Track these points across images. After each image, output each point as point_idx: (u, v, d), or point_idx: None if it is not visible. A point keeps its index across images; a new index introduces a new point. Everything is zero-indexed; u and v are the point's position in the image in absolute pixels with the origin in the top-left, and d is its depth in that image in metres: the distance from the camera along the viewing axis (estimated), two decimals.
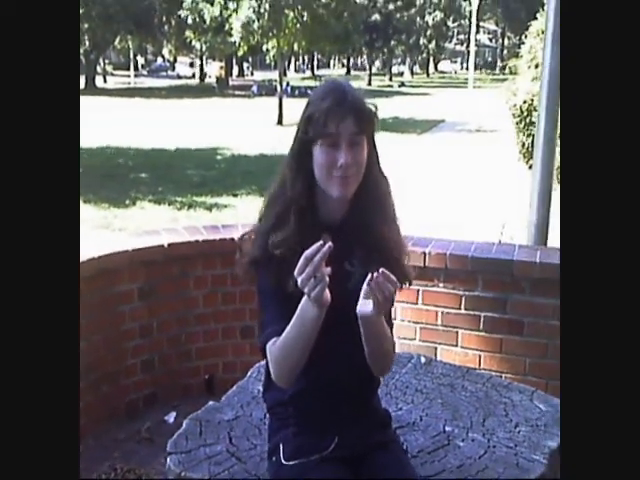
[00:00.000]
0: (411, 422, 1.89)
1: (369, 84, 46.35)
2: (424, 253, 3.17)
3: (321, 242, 1.34)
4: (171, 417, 3.34)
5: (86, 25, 32.92)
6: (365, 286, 1.43)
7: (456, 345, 3.24)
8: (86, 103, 27.55)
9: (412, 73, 63.17)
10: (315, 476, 1.51)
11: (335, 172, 1.53)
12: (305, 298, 1.39)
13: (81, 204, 9.09)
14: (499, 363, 3.15)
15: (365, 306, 1.45)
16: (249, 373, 2.22)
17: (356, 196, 1.58)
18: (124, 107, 26.62)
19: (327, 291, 1.36)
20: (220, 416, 1.93)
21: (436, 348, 3.24)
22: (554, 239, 3.67)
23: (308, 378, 1.54)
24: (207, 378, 3.55)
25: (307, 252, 1.34)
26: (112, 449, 3.09)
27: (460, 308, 3.22)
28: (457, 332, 3.24)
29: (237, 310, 3.57)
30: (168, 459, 1.74)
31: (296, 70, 67.09)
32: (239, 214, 8.69)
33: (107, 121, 20.72)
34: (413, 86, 47.22)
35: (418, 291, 3.25)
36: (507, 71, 19.42)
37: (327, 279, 1.34)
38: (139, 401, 3.42)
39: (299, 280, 1.35)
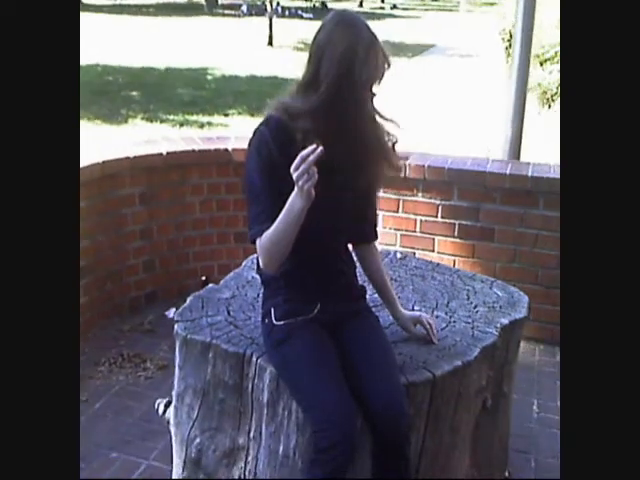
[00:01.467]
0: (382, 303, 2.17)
1: (360, 5, 45.23)
2: (404, 165, 3.41)
3: (314, 146, 1.58)
4: (171, 312, 3.63)
5: None
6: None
7: (433, 250, 3.52)
8: None
9: None
10: (300, 333, 1.81)
11: None
12: (295, 192, 1.65)
13: None
14: (471, 267, 3.44)
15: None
16: (244, 263, 2.50)
17: None
18: (111, 24, 26.03)
19: (312, 190, 1.61)
20: (219, 295, 2.22)
21: (414, 253, 3.52)
22: (526, 153, 3.93)
23: (298, 256, 1.81)
24: (203, 279, 3.83)
25: (303, 152, 1.58)
26: (118, 339, 3.39)
27: (437, 216, 3.49)
28: (434, 238, 3.53)
29: (231, 217, 3.83)
30: (175, 326, 2.02)
31: None
32: (230, 132, 8.82)
33: (94, 38, 20.35)
34: (405, 9, 46.18)
35: (399, 200, 3.51)
36: None
37: (316, 176, 1.59)
38: (141, 298, 3.72)
39: (294, 175, 1.60)
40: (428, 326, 1.98)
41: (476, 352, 1.93)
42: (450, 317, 2.14)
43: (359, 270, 2.03)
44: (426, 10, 44.90)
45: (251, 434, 1.90)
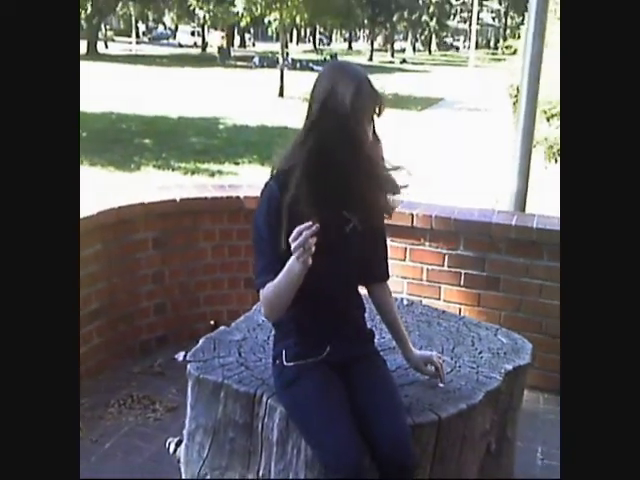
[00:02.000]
0: (391, 347, 2.23)
1: (370, 59, 46.30)
2: (412, 214, 3.51)
3: (310, 222, 1.68)
4: (180, 355, 3.69)
5: None
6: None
7: (439, 299, 3.58)
8: (88, 69, 27.56)
9: (414, 49, 62.97)
10: (310, 374, 1.87)
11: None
12: (293, 258, 1.74)
13: (88, 167, 9.40)
14: (477, 315, 3.49)
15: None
16: (255, 306, 2.57)
17: None
18: (126, 74, 26.69)
19: (309, 258, 1.72)
20: (230, 337, 2.29)
21: (421, 301, 3.56)
22: (532, 207, 4.02)
23: (308, 301, 1.89)
24: (213, 323, 3.89)
25: (300, 227, 1.68)
26: (128, 380, 3.44)
27: (443, 265, 3.56)
28: (440, 287, 3.59)
29: (242, 262, 3.91)
30: (188, 366, 2.09)
31: (298, 42, 66.86)
32: (241, 181, 9.00)
33: (109, 87, 20.87)
34: (414, 63, 47.19)
35: (406, 249, 3.59)
36: (507, 51, 19.61)
37: (313, 249, 1.69)
38: (151, 341, 3.78)
39: (292, 245, 1.70)
40: (439, 365, 2.03)
41: (480, 396, 1.98)
42: (455, 362, 2.19)
43: (369, 313, 2.10)
44: (435, 65, 45.83)
45: (260, 472, 1.95)
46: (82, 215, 3.24)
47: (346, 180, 1.84)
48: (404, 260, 3.61)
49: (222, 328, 2.37)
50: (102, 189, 7.70)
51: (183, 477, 2.17)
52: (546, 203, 6.21)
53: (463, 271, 3.51)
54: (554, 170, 7.75)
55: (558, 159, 7.88)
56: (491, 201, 6.06)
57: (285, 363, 1.91)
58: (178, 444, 2.20)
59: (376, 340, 2.12)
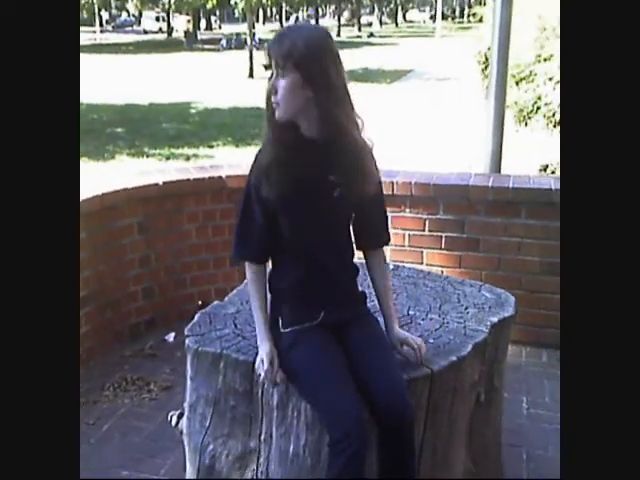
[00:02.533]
0: None
1: (338, 35, 46.05)
2: (392, 183, 3.57)
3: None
4: (170, 337, 3.75)
5: None
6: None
7: (422, 263, 3.66)
8: None
9: (381, 23, 62.71)
10: (307, 338, 1.94)
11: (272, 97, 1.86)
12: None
13: None
14: (459, 276, 3.51)
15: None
16: (245, 281, 2.62)
17: (323, 120, 1.84)
18: (92, 63, 26.34)
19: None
20: (224, 310, 2.34)
21: (404, 266, 3.67)
22: (505, 169, 4.10)
23: (302, 268, 1.96)
24: (200, 304, 3.93)
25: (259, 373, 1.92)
26: (120, 364, 3.49)
27: (424, 230, 3.64)
28: (422, 251, 3.67)
29: (226, 241, 3.94)
30: (186, 340, 2.14)
31: (264, 22, 66.22)
32: (217, 163, 8.99)
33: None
34: (382, 36, 47.04)
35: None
36: (473, 19, 19.63)
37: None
38: (141, 324, 3.82)
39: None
40: (416, 347, 1.98)
41: (469, 348, 2.06)
42: (443, 319, 2.27)
43: (360, 277, 2.15)
44: (402, 37, 45.71)
45: (262, 437, 2.02)
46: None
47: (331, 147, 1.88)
48: None
49: (216, 303, 2.42)
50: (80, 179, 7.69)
51: (186, 448, 2.23)
52: (519, 164, 6.30)
53: (444, 234, 3.59)
54: (524, 133, 7.85)
55: (528, 122, 7.98)
56: (466, 165, 6.13)
57: (281, 330, 1.97)
58: (180, 417, 2.26)
59: (370, 303, 2.19)
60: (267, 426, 2.01)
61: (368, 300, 2.16)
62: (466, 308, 2.35)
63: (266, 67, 1.79)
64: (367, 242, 2.11)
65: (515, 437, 2.77)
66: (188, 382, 2.17)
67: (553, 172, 7.28)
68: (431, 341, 2.12)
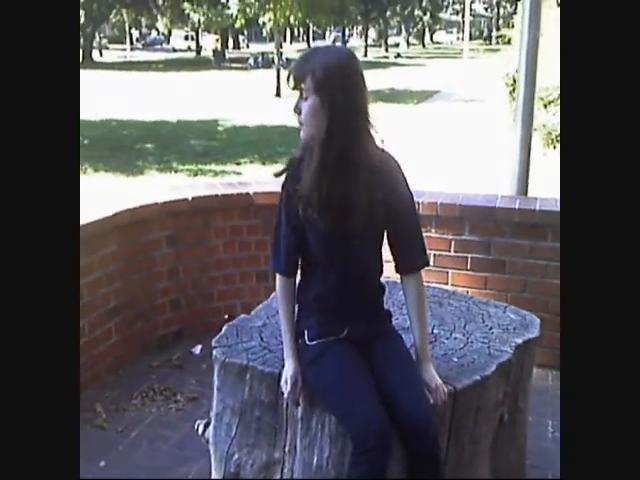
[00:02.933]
0: (405, 327, 2.32)
1: (365, 55, 46.33)
2: (418, 203, 3.58)
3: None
4: (197, 349, 3.80)
5: None
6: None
7: (447, 283, 3.68)
8: (85, 77, 27.45)
9: (408, 44, 63.01)
10: (332, 351, 1.97)
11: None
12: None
13: (94, 173, 9.52)
14: (484, 297, 3.59)
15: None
16: (272, 295, 2.67)
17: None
18: (122, 81, 26.80)
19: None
20: (251, 324, 2.39)
21: (429, 286, 3.69)
22: (532, 193, 4.12)
23: (330, 281, 2.00)
24: (227, 317, 3.98)
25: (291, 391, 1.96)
26: (148, 374, 3.55)
27: (450, 251, 3.66)
28: (447, 272, 3.69)
29: (253, 256, 4.02)
30: (214, 351, 2.19)
31: (291, 42, 66.92)
32: (245, 180, 9.09)
33: (107, 95, 20.97)
34: (409, 57, 47.23)
35: None
36: (501, 41, 19.69)
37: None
38: (168, 336, 3.88)
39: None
40: (433, 388, 1.96)
41: (493, 368, 2.08)
42: (467, 338, 2.30)
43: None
44: (429, 58, 45.85)
45: (286, 448, 2.05)
46: (99, 217, 3.36)
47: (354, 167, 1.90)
48: None
49: (242, 316, 2.47)
50: (109, 194, 7.83)
51: (212, 457, 2.27)
52: (546, 188, 6.29)
53: (469, 255, 3.61)
54: (552, 156, 7.85)
55: (556, 146, 7.99)
56: (493, 187, 6.15)
57: (307, 342, 2.01)
58: (206, 426, 2.30)
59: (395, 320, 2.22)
60: (291, 437, 2.04)
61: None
62: (490, 328, 2.37)
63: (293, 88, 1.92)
64: (400, 265, 2.07)
65: (540, 460, 2.77)
66: (215, 392, 2.21)
67: None
68: (455, 360, 2.15)
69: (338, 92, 1.83)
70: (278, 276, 2.08)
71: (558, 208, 3.49)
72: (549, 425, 3.07)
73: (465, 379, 2.02)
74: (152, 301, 3.79)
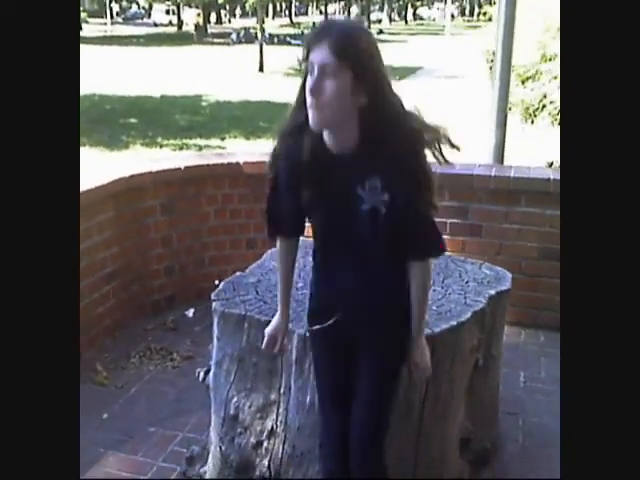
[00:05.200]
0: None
1: None
2: None
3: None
4: (190, 312, 3.99)
5: None
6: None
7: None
8: None
9: (390, 20, 62.75)
10: (316, 348, 2.01)
11: (307, 100, 1.64)
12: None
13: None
14: None
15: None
16: (264, 256, 2.86)
17: (363, 125, 1.67)
18: (103, 55, 26.58)
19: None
20: (246, 280, 2.58)
21: None
22: (512, 163, 4.33)
23: (323, 266, 1.92)
24: (217, 283, 4.16)
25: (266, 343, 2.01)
26: (144, 336, 3.74)
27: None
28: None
29: (243, 224, 4.20)
30: (213, 304, 2.37)
31: (274, 17, 66.36)
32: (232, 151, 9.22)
33: (88, 69, 20.83)
34: (391, 33, 47.12)
35: None
36: (483, 18, 19.80)
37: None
38: (161, 300, 4.07)
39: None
40: (420, 368, 1.95)
41: (468, 315, 2.29)
42: (445, 290, 2.50)
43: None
44: (412, 34, 45.78)
45: (281, 390, 2.25)
46: (95, 185, 3.51)
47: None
48: None
49: (238, 273, 2.65)
50: (97, 166, 7.93)
51: (212, 401, 2.47)
52: (525, 161, 6.50)
53: (448, 220, 3.82)
54: (530, 131, 8.06)
55: (534, 120, 8.20)
56: (473, 158, 6.34)
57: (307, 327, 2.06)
58: (207, 373, 2.50)
59: None
60: (286, 380, 2.24)
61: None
62: (467, 282, 2.58)
63: (301, 62, 1.66)
64: (405, 251, 1.84)
65: (512, 406, 3.01)
66: (214, 341, 2.40)
67: None
68: (434, 308, 2.35)
69: (373, 68, 1.63)
70: (279, 237, 1.97)
71: (531, 175, 3.70)
72: (521, 376, 3.31)
73: (442, 324, 2.23)
74: (147, 266, 3.96)
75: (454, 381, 2.30)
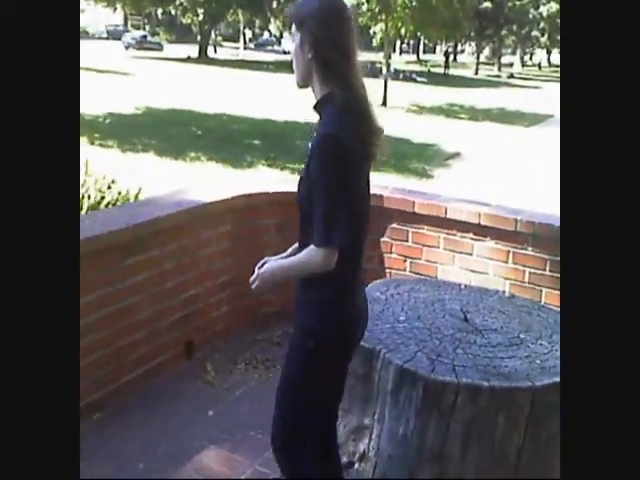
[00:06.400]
0: (493, 328, 2.54)
1: (476, 73, 45.87)
2: (515, 220, 3.77)
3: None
4: None
5: None
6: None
7: (539, 301, 3.77)
8: (200, 71, 28.61)
9: (522, 64, 61.64)
10: None
11: None
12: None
13: (206, 161, 10.09)
14: None
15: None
16: (369, 286, 2.95)
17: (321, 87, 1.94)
18: (235, 78, 27.76)
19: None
20: None
21: (521, 297, 3.83)
22: None
23: None
24: None
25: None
26: (252, 345, 3.90)
27: (545, 270, 3.78)
28: (541, 290, 3.74)
29: None
30: None
31: (400, 53, 67.02)
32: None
33: (220, 90, 21.86)
34: (523, 78, 46.33)
35: (509, 252, 3.86)
36: None
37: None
38: (271, 315, 4.22)
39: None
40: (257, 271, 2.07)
41: None
42: (552, 346, 2.48)
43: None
44: (546, 81, 44.65)
45: (376, 416, 2.32)
46: (216, 198, 3.76)
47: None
48: (507, 262, 3.86)
49: None
50: (221, 181, 8.33)
51: None
52: None
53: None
54: None
55: None
56: None
57: None
58: None
59: (479, 323, 2.44)
60: (381, 408, 2.31)
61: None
62: None
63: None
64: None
65: None
66: None
67: None
68: (538, 362, 2.34)
69: (320, 27, 1.81)
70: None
71: None
72: None
73: (545, 379, 2.22)
74: None
75: (554, 438, 2.28)
